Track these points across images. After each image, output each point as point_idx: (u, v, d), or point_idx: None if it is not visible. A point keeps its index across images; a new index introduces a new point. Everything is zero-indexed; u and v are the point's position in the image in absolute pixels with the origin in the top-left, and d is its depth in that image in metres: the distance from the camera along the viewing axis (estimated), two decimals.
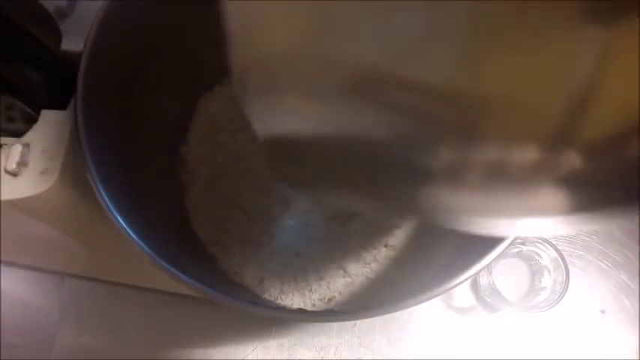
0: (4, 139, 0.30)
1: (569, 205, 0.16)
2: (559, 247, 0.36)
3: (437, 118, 0.15)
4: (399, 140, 0.16)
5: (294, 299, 0.34)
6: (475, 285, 0.40)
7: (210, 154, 0.39)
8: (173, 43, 0.37)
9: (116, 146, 0.31)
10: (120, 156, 0.32)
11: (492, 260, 0.25)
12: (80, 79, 0.29)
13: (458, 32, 0.13)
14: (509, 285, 0.39)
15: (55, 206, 0.30)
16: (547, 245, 0.37)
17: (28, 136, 0.29)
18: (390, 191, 0.18)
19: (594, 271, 0.41)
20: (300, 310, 0.33)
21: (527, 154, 0.14)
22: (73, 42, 0.30)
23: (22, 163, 0.28)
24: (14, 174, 0.28)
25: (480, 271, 0.25)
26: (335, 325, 0.40)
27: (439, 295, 0.25)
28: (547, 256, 0.38)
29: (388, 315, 0.38)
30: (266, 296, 0.35)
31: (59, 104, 0.30)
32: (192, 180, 0.39)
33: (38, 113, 0.30)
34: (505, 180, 0.15)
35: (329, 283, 0.34)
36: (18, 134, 0.29)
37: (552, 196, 0.15)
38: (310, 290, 0.34)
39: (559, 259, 0.36)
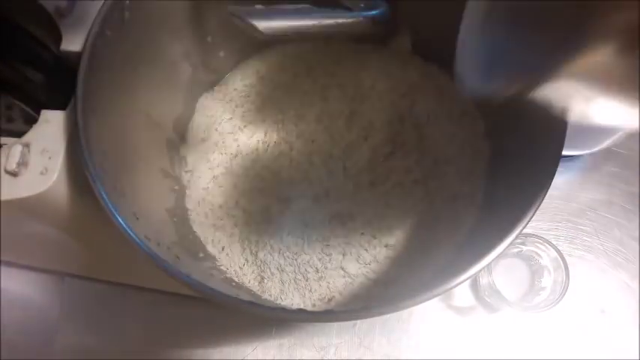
0: (4, 139, 0.30)
1: None
2: (559, 247, 0.37)
3: None
4: None
5: (294, 299, 0.34)
6: (475, 285, 0.40)
7: (210, 154, 0.40)
8: (173, 43, 0.37)
9: (116, 146, 0.31)
10: (120, 156, 0.32)
11: (492, 260, 0.25)
12: (80, 79, 0.29)
13: None
14: (509, 285, 0.39)
15: (55, 206, 0.30)
16: (547, 245, 0.37)
17: (28, 136, 0.29)
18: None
19: (594, 271, 0.41)
20: (300, 310, 0.33)
21: None
22: (73, 42, 0.31)
23: (22, 163, 0.28)
24: (14, 174, 0.28)
25: (480, 271, 0.25)
26: (335, 325, 0.40)
27: (439, 295, 0.25)
28: (547, 256, 0.38)
29: (388, 315, 0.38)
30: (266, 296, 0.35)
31: (59, 104, 0.30)
32: (192, 180, 0.39)
33: (38, 113, 0.30)
34: None
35: (329, 283, 0.34)
36: (18, 134, 0.29)
37: None
38: (310, 290, 0.34)
39: (559, 259, 0.36)
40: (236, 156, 0.39)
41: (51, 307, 0.42)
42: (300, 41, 0.43)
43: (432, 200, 0.36)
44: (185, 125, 0.41)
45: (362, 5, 0.29)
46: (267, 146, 0.39)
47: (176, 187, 0.38)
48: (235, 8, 0.28)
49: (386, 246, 0.35)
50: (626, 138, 0.39)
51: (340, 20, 0.28)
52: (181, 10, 0.36)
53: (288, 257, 0.35)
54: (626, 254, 0.41)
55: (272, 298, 0.34)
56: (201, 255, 0.35)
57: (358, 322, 0.40)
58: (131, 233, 0.26)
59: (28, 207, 0.29)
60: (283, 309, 0.32)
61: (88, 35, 0.30)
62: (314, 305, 0.34)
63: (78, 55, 0.29)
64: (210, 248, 0.36)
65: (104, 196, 0.27)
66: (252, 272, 0.35)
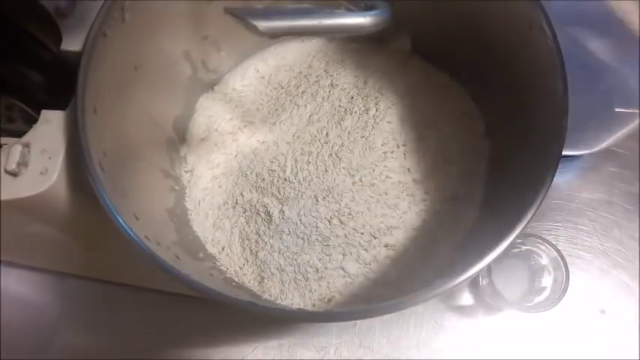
0: (4, 139, 0.30)
1: None
2: (559, 247, 0.36)
3: None
4: None
5: (294, 299, 0.34)
6: (475, 285, 0.40)
7: (210, 154, 0.40)
8: (173, 43, 0.37)
9: (116, 146, 0.31)
10: (120, 156, 0.32)
11: (492, 260, 0.25)
12: (80, 79, 0.29)
13: None
14: (509, 285, 0.39)
15: (55, 206, 0.30)
16: (547, 245, 0.37)
17: (28, 136, 0.29)
18: None
19: (594, 271, 0.41)
20: (300, 310, 0.33)
21: None
22: (73, 42, 0.31)
23: (22, 163, 0.28)
24: (14, 174, 0.28)
25: (480, 271, 0.25)
26: (335, 325, 0.40)
27: (439, 295, 0.25)
28: (547, 256, 0.38)
29: (388, 315, 0.38)
30: (266, 296, 0.34)
31: (59, 104, 0.30)
32: (192, 180, 0.39)
33: (38, 113, 0.30)
34: None
35: (329, 283, 0.34)
36: (18, 134, 0.29)
37: None
38: (310, 290, 0.34)
39: (559, 259, 0.36)
40: (236, 156, 0.39)
41: (51, 307, 0.42)
42: (300, 41, 0.43)
43: (432, 200, 0.36)
44: (185, 125, 0.41)
45: (362, 5, 0.28)
46: (267, 146, 0.39)
47: (176, 187, 0.38)
48: (235, 8, 0.28)
49: (386, 246, 0.35)
50: (626, 138, 0.39)
51: (340, 20, 0.28)
52: (181, 10, 0.36)
53: (288, 257, 0.35)
54: (626, 254, 0.41)
55: (272, 298, 0.34)
56: (201, 255, 0.35)
57: (358, 322, 0.40)
58: (131, 233, 0.26)
59: (28, 207, 0.29)
60: (283, 309, 0.32)
61: (88, 35, 0.30)
62: (314, 305, 0.34)
63: (78, 55, 0.29)
64: (210, 248, 0.36)
65: (104, 196, 0.27)
66: (252, 272, 0.35)
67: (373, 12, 0.28)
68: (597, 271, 0.41)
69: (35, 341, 0.41)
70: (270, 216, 0.36)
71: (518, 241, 0.38)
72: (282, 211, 0.36)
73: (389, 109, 0.38)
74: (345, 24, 0.28)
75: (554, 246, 0.37)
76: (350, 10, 0.29)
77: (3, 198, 0.28)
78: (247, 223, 0.37)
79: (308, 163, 0.37)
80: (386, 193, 0.36)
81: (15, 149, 0.28)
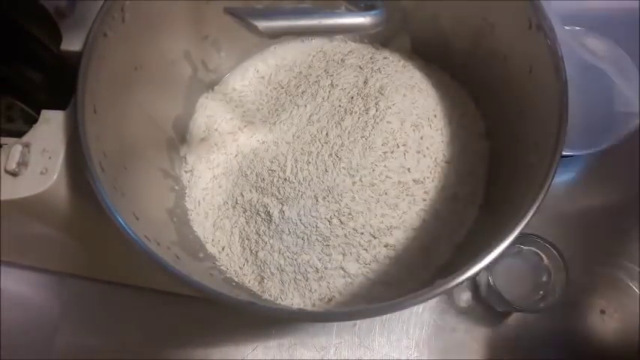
0: (4, 139, 0.30)
1: None
2: (559, 247, 0.37)
3: None
4: None
5: (294, 299, 0.34)
6: (475, 285, 0.40)
7: (210, 154, 0.40)
8: (173, 43, 0.37)
9: (116, 146, 0.31)
10: (120, 156, 0.32)
11: (492, 260, 0.25)
12: (80, 79, 0.29)
13: None
14: (509, 285, 0.39)
15: (55, 206, 0.30)
16: (547, 245, 0.37)
17: (28, 136, 0.29)
18: None
19: (594, 271, 0.41)
20: (300, 310, 0.33)
21: None
22: (73, 42, 0.31)
23: (22, 163, 0.28)
24: (14, 174, 0.28)
25: (480, 271, 0.25)
26: (335, 325, 0.40)
27: (439, 295, 0.25)
28: (547, 256, 0.38)
29: (388, 315, 0.38)
30: (266, 296, 0.34)
31: (59, 104, 0.30)
32: (192, 180, 0.39)
33: (38, 113, 0.30)
34: None
35: (329, 283, 0.34)
36: (18, 134, 0.29)
37: None
38: (310, 290, 0.34)
39: (559, 259, 0.36)
40: (236, 156, 0.39)
41: (51, 307, 0.42)
42: (300, 41, 0.43)
43: (432, 200, 0.36)
44: (185, 125, 0.41)
45: (362, 5, 0.28)
46: (267, 146, 0.39)
47: (176, 187, 0.38)
48: (235, 8, 0.28)
49: (386, 246, 0.35)
50: (626, 138, 0.39)
51: (340, 20, 0.28)
52: (181, 10, 0.36)
53: (288, 257, 0.35)
54: (626, 254, 0.41)
55: (272, 298, 0.34)
56: (201, 255, 0.35)
57: (358, 322, 0.40)
58: (131, 233, 0.26)
59: (28, 207, 0.29)
60: (283, 309, 0.32)
61: (88, 35, 0.30)
62: (314, 305, 0.34)
63: (78, 55, 0.29)
64: (210, 248, 0.36)
65: (104, 196, 0.27)
66: (252, 272, 0.35)
67: (373, 12, 0.28)
68: (597, 271, 0.41)
69: (35, 341, 0.41)
70: (270, 216, 0.36)
71: (518, 241, 0.38)
72: (282, 211, 0.36)
73: (389, 109, 0.38)
74: (345, 24, 0.28)
75: (554, 246, 0.37)
76: (350, 10, 0.29)
77: (3, 198, 0.28)
78: (247, 223, 0.37)
79: (308, 163, 0.37)
80: (386, 193, 0.36)
81: (15, 149, 0.28)
